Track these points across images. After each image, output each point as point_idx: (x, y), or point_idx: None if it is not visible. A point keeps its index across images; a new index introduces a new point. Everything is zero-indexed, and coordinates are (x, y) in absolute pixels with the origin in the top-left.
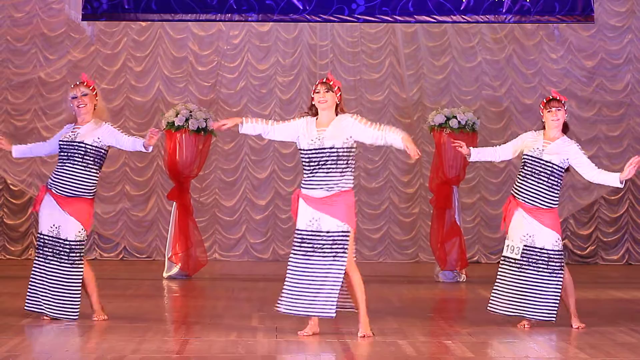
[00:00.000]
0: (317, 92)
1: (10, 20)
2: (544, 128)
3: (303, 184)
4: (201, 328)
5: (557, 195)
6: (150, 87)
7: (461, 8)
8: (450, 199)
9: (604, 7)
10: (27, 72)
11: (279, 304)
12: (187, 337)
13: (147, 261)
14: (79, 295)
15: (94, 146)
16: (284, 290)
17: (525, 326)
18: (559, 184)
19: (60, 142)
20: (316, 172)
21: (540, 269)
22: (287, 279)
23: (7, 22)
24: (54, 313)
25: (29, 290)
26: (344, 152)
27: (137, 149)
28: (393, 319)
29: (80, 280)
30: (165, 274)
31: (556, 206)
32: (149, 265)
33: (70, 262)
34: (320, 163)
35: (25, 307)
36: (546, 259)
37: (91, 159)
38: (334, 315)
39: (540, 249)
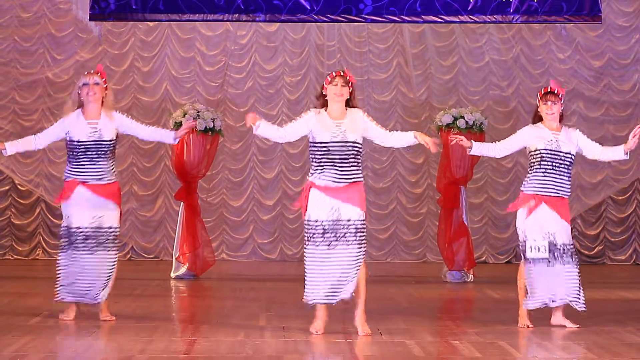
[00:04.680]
0: (335, 85)
1: (17, 21)
2: (540, 120)
3: (320, 177)
4: (209, 328)
5: (570, 184)
6: (158, 87)
7: (469, 8)
8: (458, 199)
9: (612, 7)
10: (35, 72)
11: (306, 295)
12: (194, 337)
13: (154, 261)
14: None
15: (114, 139)
16: (308, 283)
17: (529, 326)
18: (570, 173)
19: (85, 142)
20: (337, 165)
21: (566, 261)
22: (309, 271)
23: (14, 22)
24: (94, 299)
25: (60, 281)
26: (360, 147)
27: (163, 139)
28: (400, 319)
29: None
30: (172, 274)
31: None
32: (156, 265)
33: (115, 249)
34: (343, 157)
35: (58, 299)
36: (569, 253)
37: (112, 148)
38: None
39: (562, 244)
